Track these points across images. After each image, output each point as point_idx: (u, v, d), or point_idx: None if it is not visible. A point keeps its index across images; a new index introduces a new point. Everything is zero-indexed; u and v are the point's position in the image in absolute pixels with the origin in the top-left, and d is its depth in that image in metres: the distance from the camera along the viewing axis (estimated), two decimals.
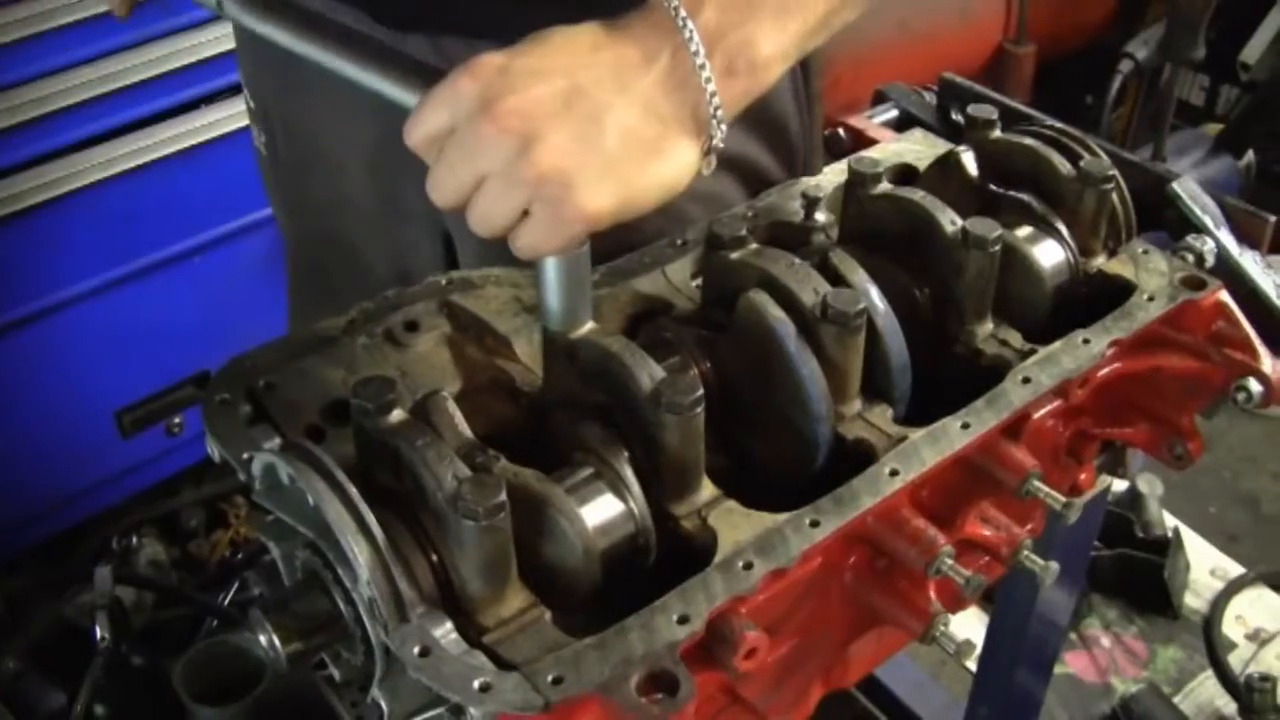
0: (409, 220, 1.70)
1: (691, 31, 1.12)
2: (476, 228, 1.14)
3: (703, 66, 1.13)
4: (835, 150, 1.83)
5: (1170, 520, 3.40)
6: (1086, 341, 1.38)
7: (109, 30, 2.62)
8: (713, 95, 1.14)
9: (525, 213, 1.12)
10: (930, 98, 1.89)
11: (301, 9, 1.26)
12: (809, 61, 1.68)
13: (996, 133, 1.56)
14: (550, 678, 1.02)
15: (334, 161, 1.74)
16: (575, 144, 1.09)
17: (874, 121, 1.87)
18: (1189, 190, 1.60)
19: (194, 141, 2.77)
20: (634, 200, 1.13)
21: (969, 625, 2.92)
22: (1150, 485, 3.35)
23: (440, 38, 1.53)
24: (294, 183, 1.86)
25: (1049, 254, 1.47)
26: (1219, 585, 3.37)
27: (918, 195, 1.42)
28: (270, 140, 1.86)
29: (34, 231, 2.65)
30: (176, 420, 3.06)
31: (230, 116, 2.79)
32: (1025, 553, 1.30)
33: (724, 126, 1.16)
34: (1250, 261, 1.57)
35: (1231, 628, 3.28)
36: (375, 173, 1.70)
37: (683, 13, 1.12)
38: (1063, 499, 1.29)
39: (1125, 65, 3.85)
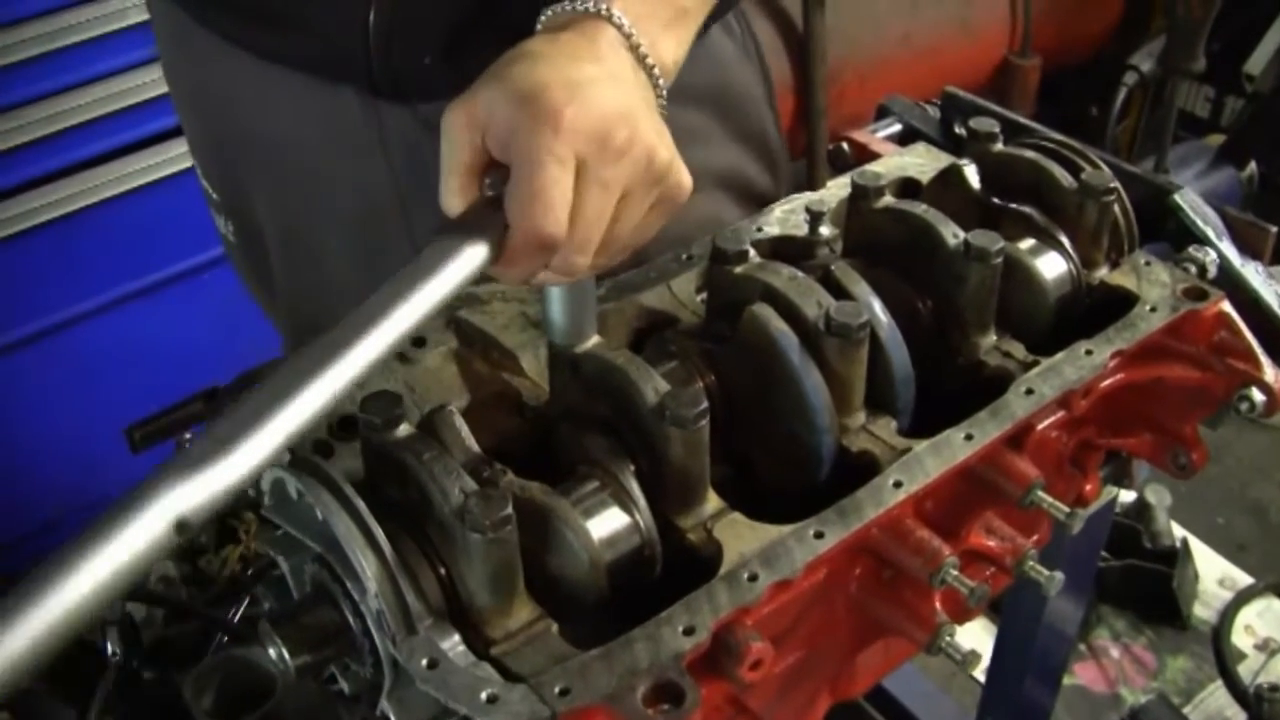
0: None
1: (637, 35, 1.16)
2: (613, 251, 1.15)
3: (653, 65, 1.18)
4: (839, 164, 1.83)
5: (1178, 530, 3.40)
6: (1089, 352, 1.39)
7: (119, 48, 2.64)
8: (661, 85, 1.19)
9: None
10: (933, 111, 1.90)
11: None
12: (812, 78, 1.70)
13: (998, 146, 1.57)
14: (557, 689, 1.02)
15: (314, 245, 1.71)
16: (664, 136, 1.14)
17: (877, 136, 1.87)
18: (1190, 201, 1.60)
19: None
20: None
21: (977, 636, 2.92)
22: (1158, 496, 3.35)
23: (422, 104, 1.51)
24: (272, 269, 1.81)
25: (1051, 266, 1.47)
26: (1228, 595, 3.37)
27: (920, 208, 1.43)
28: (240, 229, 1.80)
29: (46, 248, 2.67)
30: (186, 436, 3.05)
31: None
32: (1030, 563, 1.31)
33: (664, 104, 1.21)
34: (1252, 272, 1.58)
35: (1240, 638, 3.27)
36: (358, 250, 1.67)
37: (626, 19, 1.15)
38: (1066, 509, 1.30)
39: (1130, 77, 3.86)
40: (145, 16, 2.60)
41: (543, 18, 1.18)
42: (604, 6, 1.15)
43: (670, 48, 1.21)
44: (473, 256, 1.06)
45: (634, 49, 1.16)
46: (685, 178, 1.16)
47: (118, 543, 0.86)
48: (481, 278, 1.17)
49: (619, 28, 1.15)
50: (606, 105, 1.08)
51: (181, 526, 0.88)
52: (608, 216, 1.11)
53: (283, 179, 1.69)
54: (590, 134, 1.07)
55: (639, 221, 1.15)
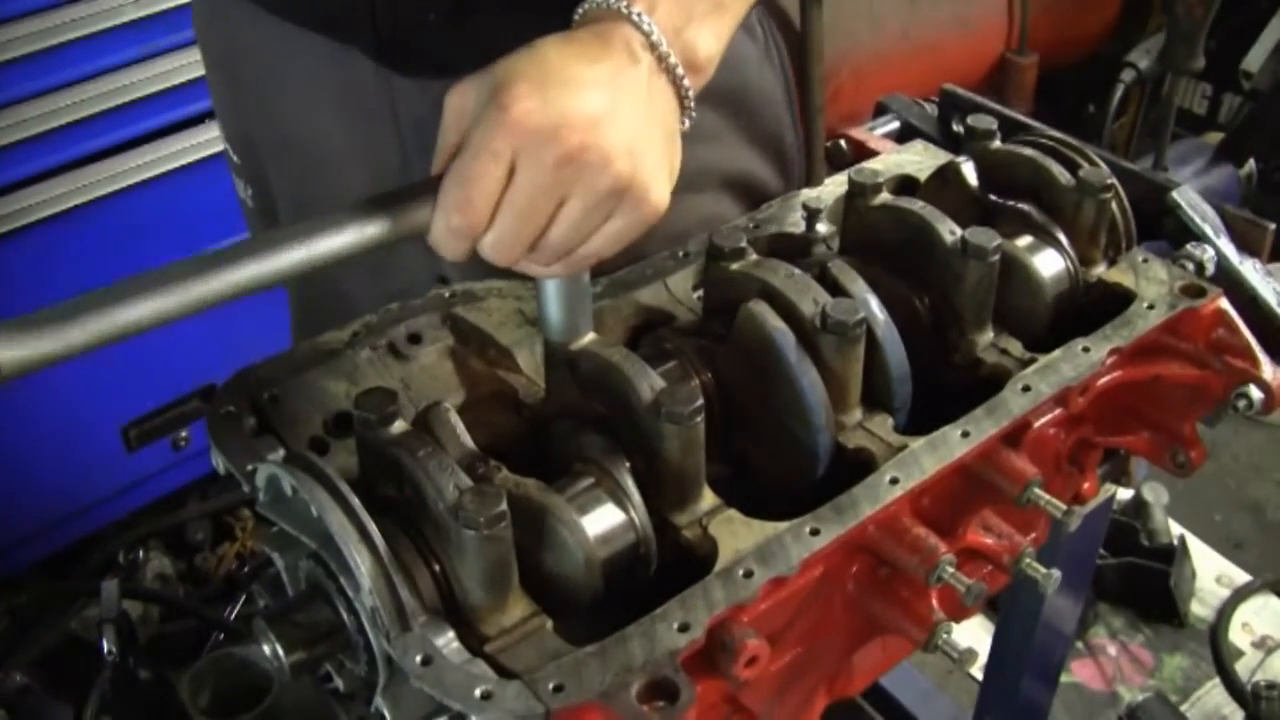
0: (403, 270, 1.67)
1: (658, 32, 1.15)
2: (548, 257, 1.15)
3: (676, 64, 1.16)
4: (837, 162, 1.83)
5: (1175, 528, 3.40)
6: (1086, 350, 1.38)
7: (114, 46, 2.63)
8: (686, 87, 1.18)
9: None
10: (931, 109, 1.89)
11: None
12: (808, 74, 1.69)
13: (996, 143, 1.57)
14: (551, 686, 1.02)
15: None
16: (639, 146, 1.12)
17: (875, 133, 1.87)
18: (1188, 199, 1.60)
19: (200, 155, 2.78)
20: (674, 187, 1.17)
21: (975, 635, 2.92)
22: (1155, 493, 3.34)
23: (430, 81, 1.48)
24: None
25: (1049, 263, 1.47)
26: (1225, 593, 3.37)
27: (917, 206, 1.43)
28: (258, 193, 1.83)
29: (40, 246, 2.66)
30: (182, 434, 3.06)
31: None
32: (1027, 561, 1.30)
33: (694, 114, 1.20)
34: (1250, 269, 1.58)
35: (1238, 635, 3.27)
36: None
37: (646, 17, 1.14)
38: (1063, 506, 1.30)
39: (1127, 74, 3.85)
40: (140, 14, 2.62)
41: (576, 14, 1.18)
42: (624, 5, 1.14)
43: (705, 41, 1.19)
44: (381, 224, 1.12)
45: (653, 48, 1.15)
46: (655, 195, 1.14)
47: None
48: (477, 272, 1.18)
49: (637, 25, 1.14)
50: (569, 108, 1.08)
51: None
52: (539, 216, 1.11)
53: (296, 147, 1.70)
54: (535, 133, 1.07)
55: (588, 230, 1.13)
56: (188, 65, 2.70)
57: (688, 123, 1.21)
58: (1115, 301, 1.45)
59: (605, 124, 1.10)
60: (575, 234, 1.13)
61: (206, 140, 2.78)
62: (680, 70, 1.17)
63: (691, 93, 1.19)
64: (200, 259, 1.10)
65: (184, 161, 2.78)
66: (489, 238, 1.12)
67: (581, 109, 1.09)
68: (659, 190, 1.14)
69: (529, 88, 1.08)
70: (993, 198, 1.53)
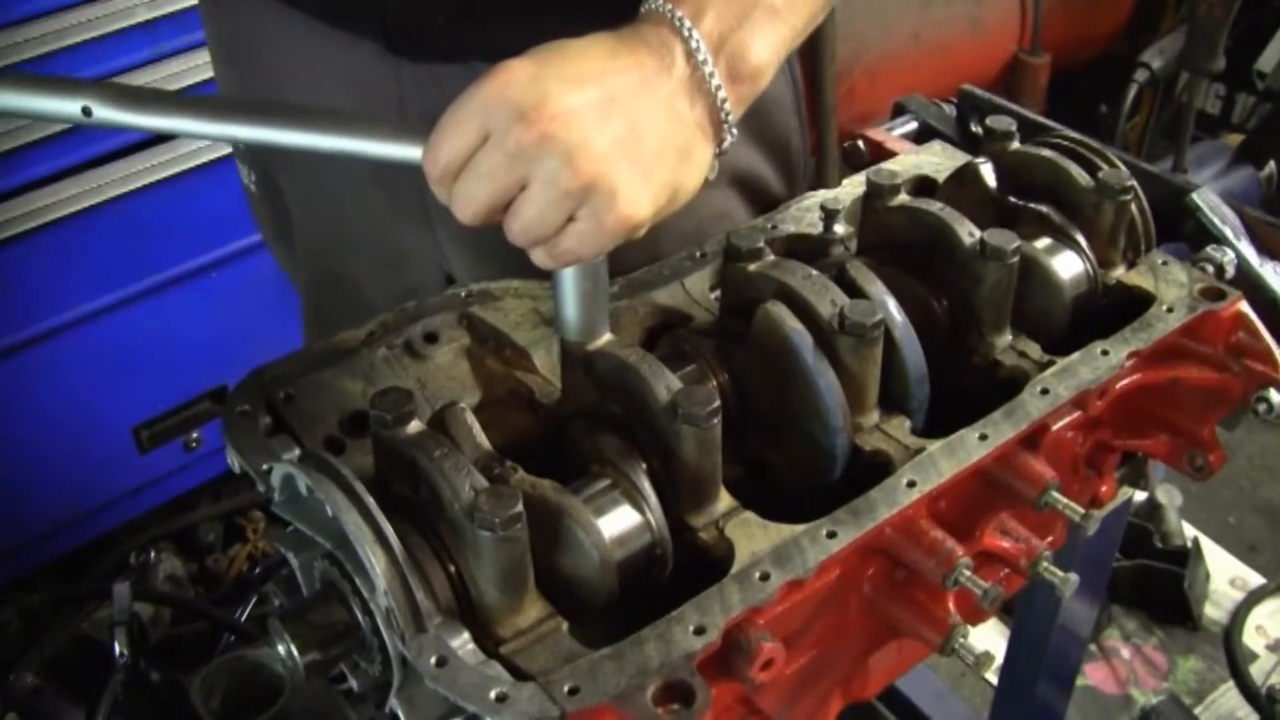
0: (410, 262, 1.68)
1: (697, 40, 1.14)
2: (518, 238, 1.13)
3: (712, 74, 1.15)
4: (854, 162, 1.82)
5: (1189, 530, 3.39)
6: (1105, 353, 1.37)
7: (126, 46, 2.63)
8: (723, 100, 1.16)
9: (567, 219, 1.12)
10: (949, 110, 1.89)
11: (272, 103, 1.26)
12: (821, 76, 1.68)
13: (1015, 144, 1.56)
14: (566, 688, 1.02)
15: (333, 203, 1.72)
16: (617, 152, 1.10)
17: (893, 134, 1.87)
18: (1208, 201, 1.59)
19: (211, 157, 2.78)
20: (670, 205, 1.16)
21: (990, 638, 2.90)
22: (1169, 495, 3.33)
23: (439, 67, 1.50)
24: (293, 222, 1.82)
25: (1067, 265, 1.46)
26: (1239, 595, 3.35)
27: (935, 207, 1.42)
28: (262, 179, 1.83)
29: (52, 247, 2.67)
30: (194, 435, 3.06)
31: None
32: (1044, 564, 1.29)
33: (735, 130, 1.18)
34: (1270, 272, 1.57)
35: (1252, 638, 3.26)
36: (374, 214, 1.68)
37: (687, 22, 1.14)
38: (1081, 510, 1.29)
39: (1140, 74, 3.85)
40: (152, 15, 2.62)
41: (641, 9, 1.17)
42: (669, 9, 1.14)
43: (757, 48, 1.18)
44: (381, 142, 1.17)
45: (690, 56, 1.14)
46: (623, 206, 1.10)
47: (42, 97, 1.17)
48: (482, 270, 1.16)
49: (679, 32, 1.13)
50: (549, 94, 1.07)
51: (85, 110, 1.16)
52: (496, 187, 1.10)
53: None
54: (507, 107, 1.07)
55: (553, 221, 1.11)
56: (199, 66, 2.70)
57: (728, 140, 1.18)
58: (1134, 304, 1.45)
59: (583, 121, 1.08)
60: (540, 222, 1.12)
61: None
62: (718, 84, 1.15)
63: (731, 106, 1.17)
64: (242, 102, 1.31)
65: (194, 164, 2.78)
66: (454, 189, 1.12)
67: (563, 100, 1.08)
68: (630, 203, 1.11)
69: (528, 65, 1.09)
70: (1011, 199, 1.52)
